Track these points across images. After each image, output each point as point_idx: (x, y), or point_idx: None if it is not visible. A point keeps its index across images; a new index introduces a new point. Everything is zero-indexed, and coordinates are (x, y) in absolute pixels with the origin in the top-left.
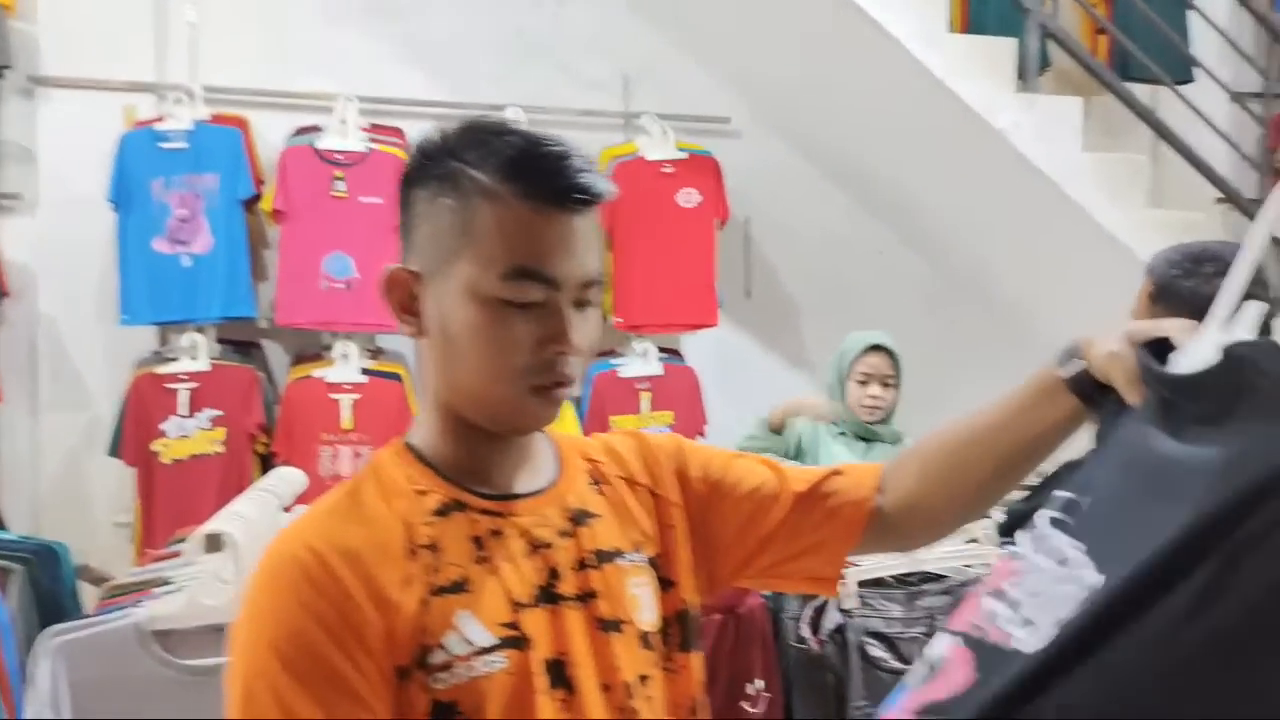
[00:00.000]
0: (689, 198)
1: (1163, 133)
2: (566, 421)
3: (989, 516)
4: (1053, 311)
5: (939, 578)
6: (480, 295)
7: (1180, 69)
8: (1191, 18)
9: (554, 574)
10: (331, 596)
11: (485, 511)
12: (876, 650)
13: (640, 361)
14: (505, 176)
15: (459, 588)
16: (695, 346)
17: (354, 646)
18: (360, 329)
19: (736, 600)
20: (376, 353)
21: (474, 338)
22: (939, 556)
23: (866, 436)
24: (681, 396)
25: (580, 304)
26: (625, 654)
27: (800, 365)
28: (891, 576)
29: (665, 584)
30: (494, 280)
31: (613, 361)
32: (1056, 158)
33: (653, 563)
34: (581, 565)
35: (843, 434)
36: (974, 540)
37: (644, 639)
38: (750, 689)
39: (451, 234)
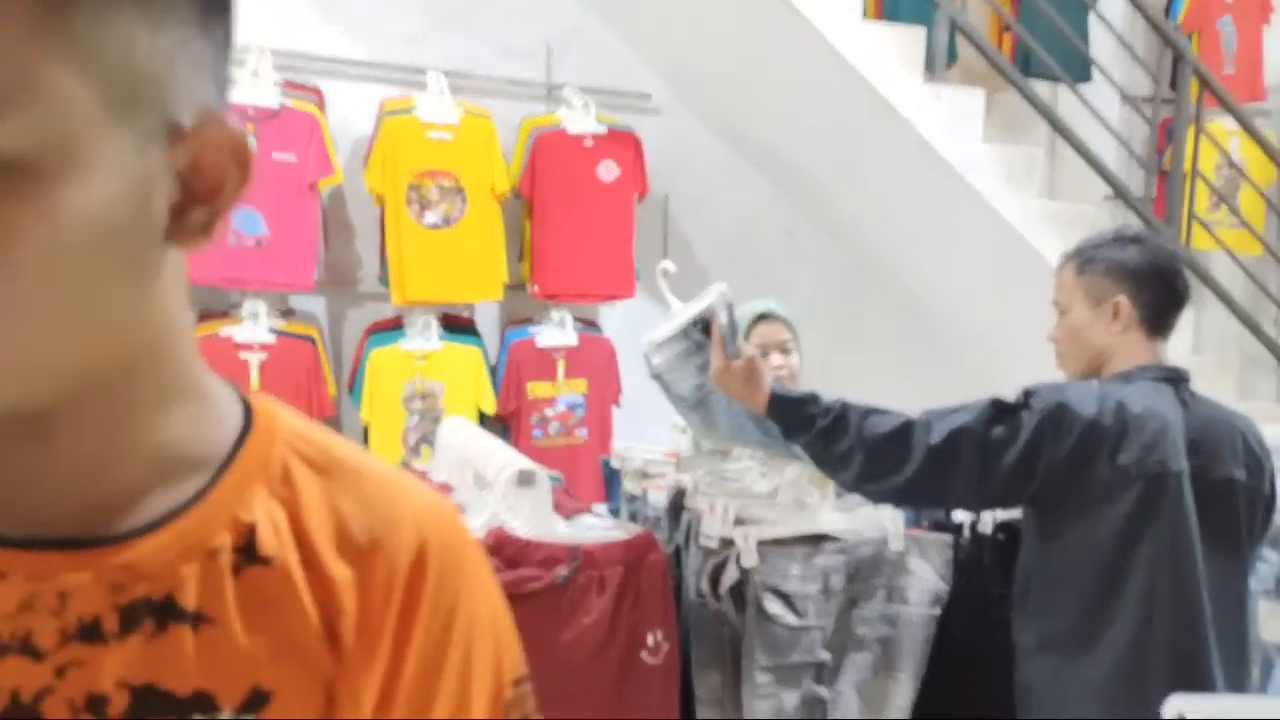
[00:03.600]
0: (609, 171)
1: (1059, 128)
2: (480, 389)
3: None
4: (950, 293)
5: (836, 539)
6: None
7: (1079, 69)
8: (1091, 20)
9: None
10: None
11: None
12: (774, 606)
13: (557, 330)
14: None
15: None
16: (613, 318)
17: None
18: (270, 288)
19: (639, 554)
20: (288, 313)
21: None
22: (837, 519)
23: None
24: (597, 366)
25: None
26: None
27: None
28: (790, 536)
29: None
30: None
31: (530, 329)
32: (959, 147)
33: None
34: (87, 710)
35: None
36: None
37: None
38: (650, 640)
39: None
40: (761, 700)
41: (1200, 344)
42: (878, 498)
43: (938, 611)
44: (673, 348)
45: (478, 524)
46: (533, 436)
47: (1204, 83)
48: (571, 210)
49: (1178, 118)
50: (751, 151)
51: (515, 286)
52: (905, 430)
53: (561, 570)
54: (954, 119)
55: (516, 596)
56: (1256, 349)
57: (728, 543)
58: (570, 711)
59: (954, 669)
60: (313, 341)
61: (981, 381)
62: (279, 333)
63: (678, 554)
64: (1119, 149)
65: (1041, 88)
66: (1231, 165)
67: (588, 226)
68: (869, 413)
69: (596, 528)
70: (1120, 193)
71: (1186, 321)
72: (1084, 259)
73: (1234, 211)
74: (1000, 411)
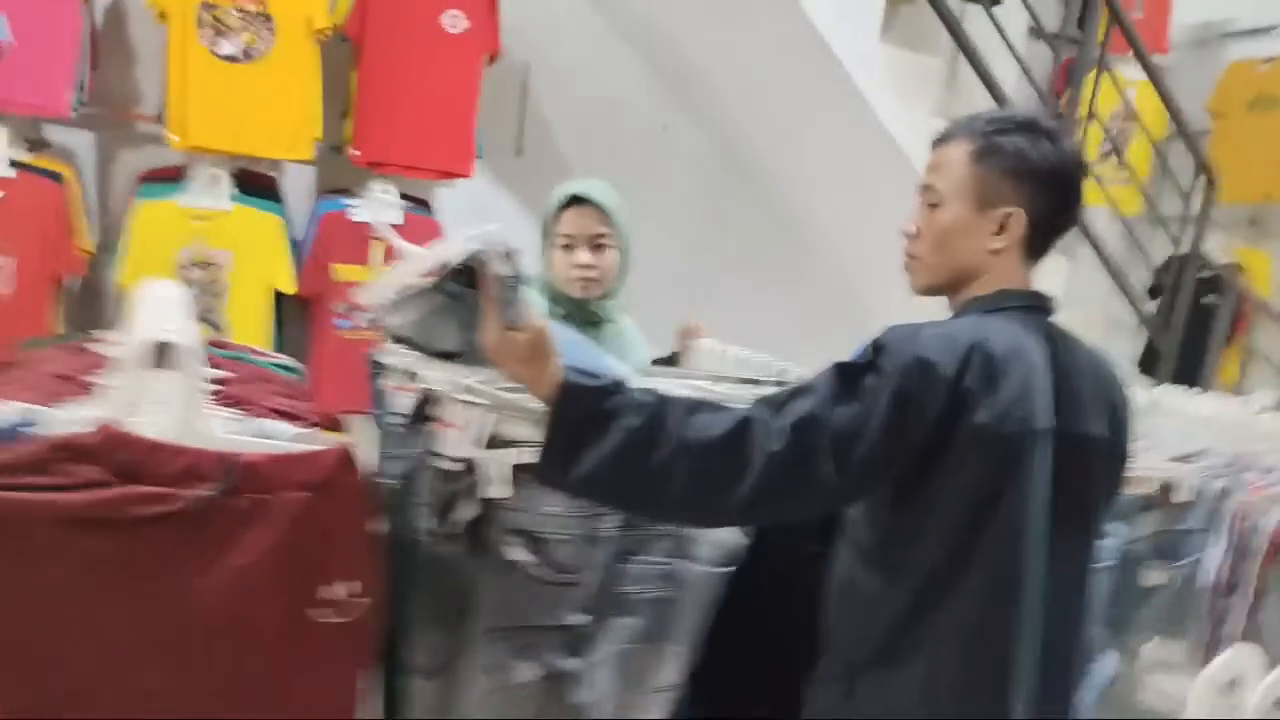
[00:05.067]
0: (455, 22)
1: (963, 44)
2: (277, 263)
3: None
4: (825, 209)
5: None
6: None
7: None
8: None
9: None
10: None
11: None
12: (520, 553)
13: (379, 206)
14: None
15: None
16: (450, 199)
17: None
18: (11, 109)
19: (329, 473)
20: (39, 145)
21: None
22: None
23: (587, 319)
24: None
25: None
26: None
27: None
28: None
29: None
30: None
31: (345, 201)
32: (853, 43)
33: None
34: None
35: (566, 316)
36: None
37: None
38: (338, 591)
39: None
40: (487, 673)
41: (1068, 298)
42: (710, 523)
43: (730, 569)
44: (419, 306)
45: (86, 415)
46: (336, 325)
47: (1115, 18)
48: (408, 62)
49: (1082, 58)
50: (629, 27)
51: (334, 148)
52: (741, 431)
53: (205, 489)
54: (851, 9)
55: (130, 522)
56: (1120, 310)
57: (472, 467)
58: (208, 684)
59: (747, 639)
60: (60, 180)
61: (848, 308)
62: (20, 166)
63: (407, 480)
64: (1017, 82)
65: (951, 4)
66: (1131, 115)
67: (426, 85)
68: (694, 409)
69: (282, 435)
70: None
71: (1059, 272)
72: (987, 144)
73: (1123, 164)
74: (848, 380)
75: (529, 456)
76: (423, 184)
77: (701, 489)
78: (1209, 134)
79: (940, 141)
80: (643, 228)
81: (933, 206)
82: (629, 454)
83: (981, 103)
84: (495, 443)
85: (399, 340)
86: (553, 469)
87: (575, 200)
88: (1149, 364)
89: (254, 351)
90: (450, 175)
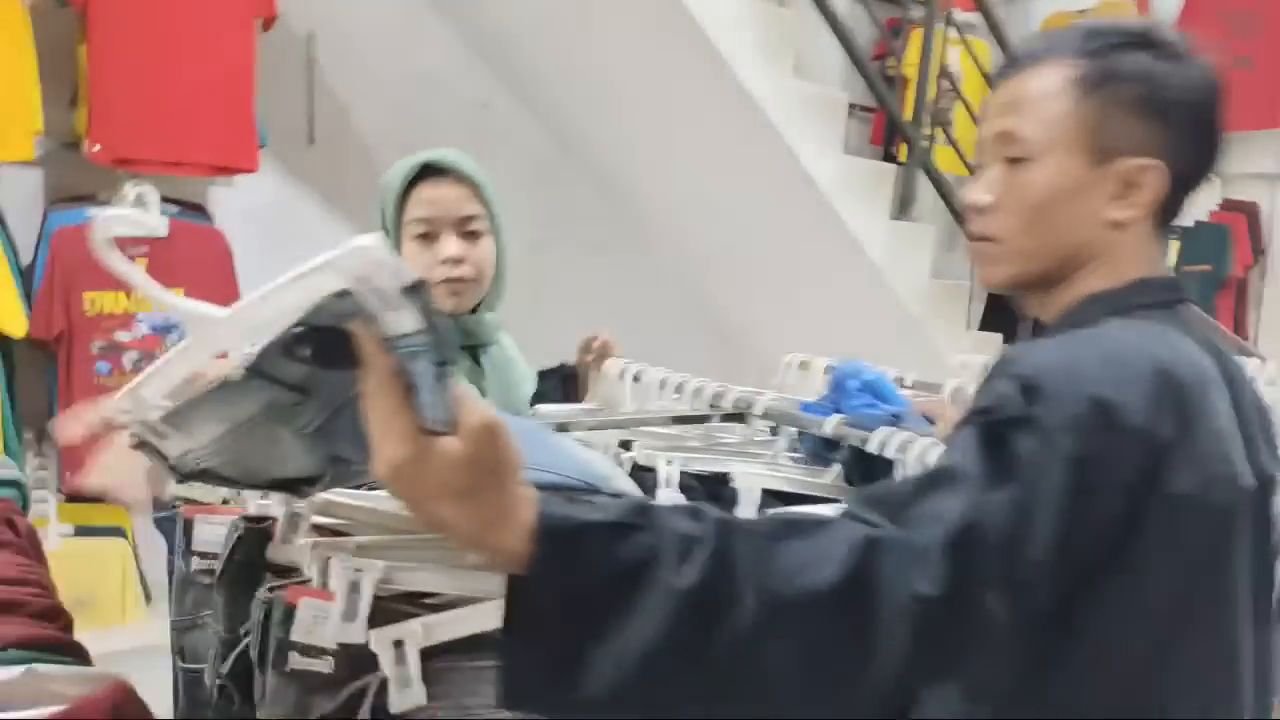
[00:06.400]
0: None
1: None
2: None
3: None
4: (676, 185)
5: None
6: None
7: None
8: None
9: None
10: None
11: None
12: None
13: (134, 214)
14: None
15: None
16: (232, 201)
17: None
18: None
19: None
20: None
21: None
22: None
23: (461, 344)
24: (202, 268)
25: None
26: None
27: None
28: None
29: None
30: None
31: (89, 212)
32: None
33: None
34: None
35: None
36: None
37: None
38: None
39: None
40: None
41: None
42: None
43: None
44: (222, 412)
45: None
46: (97, 373)
47: None
48: (154, 30)
49: (928, 18)
50: None
51: (65, 145)
52: (863, 568)
53: None
54: None
55: None
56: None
57: (354, 663)
58: None
59: None
60: None
61: (704, 299)
62: None
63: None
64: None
65: None
66: (949, 78)
67: (182, 61)
68: (772, 540)
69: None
70: (873, 85)
71: (930, 237)
72: (1102, 66)
73: (944, 127)
74: (995, 448)
75: (464, 626)
76: (194, 183)
77: (814, 675)
78: None
79: (1013, 69)
80: None
81: (1015, 162)
82: (683, 637)
83: (834, 62)
84: (387, 611)
85: (192, 477)
86: (538, 685)
87: (429, 170)
88: (996, 326)
89: None
90: (228, 170)
